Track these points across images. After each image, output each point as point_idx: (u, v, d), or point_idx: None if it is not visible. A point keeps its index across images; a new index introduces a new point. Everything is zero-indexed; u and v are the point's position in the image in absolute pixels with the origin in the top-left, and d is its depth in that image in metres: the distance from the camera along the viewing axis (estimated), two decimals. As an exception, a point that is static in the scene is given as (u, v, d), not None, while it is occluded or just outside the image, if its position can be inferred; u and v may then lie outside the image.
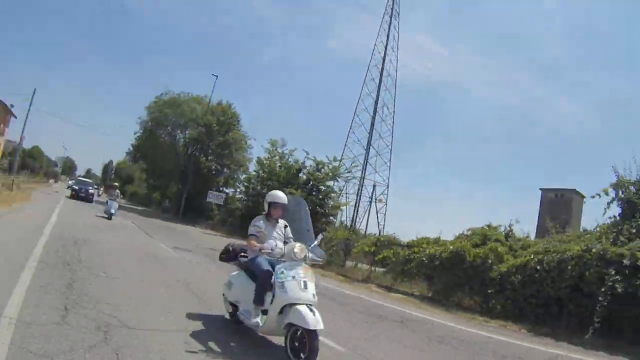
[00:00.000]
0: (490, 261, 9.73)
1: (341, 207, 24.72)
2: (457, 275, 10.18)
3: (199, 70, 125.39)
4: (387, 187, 41.58)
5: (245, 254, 4.78)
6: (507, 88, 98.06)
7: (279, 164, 23.73)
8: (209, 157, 29.26)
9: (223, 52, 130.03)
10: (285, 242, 4.55)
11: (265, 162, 24.27)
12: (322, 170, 22.50)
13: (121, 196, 27.16)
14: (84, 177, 47.83)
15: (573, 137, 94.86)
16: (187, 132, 31.14)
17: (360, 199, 38.32)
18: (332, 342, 4.62)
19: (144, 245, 11.34)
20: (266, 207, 4.75)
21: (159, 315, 4.62)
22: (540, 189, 42.07)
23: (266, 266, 4.16)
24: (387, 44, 42.82)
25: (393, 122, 42.03)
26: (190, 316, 4.82)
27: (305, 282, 3.86)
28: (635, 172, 9.45)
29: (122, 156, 59.96)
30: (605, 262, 7.74)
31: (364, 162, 39.59)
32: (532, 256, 9.06)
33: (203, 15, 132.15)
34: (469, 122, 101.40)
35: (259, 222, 4.60)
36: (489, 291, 9.41)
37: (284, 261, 4.10)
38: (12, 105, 37.68)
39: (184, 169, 30.97)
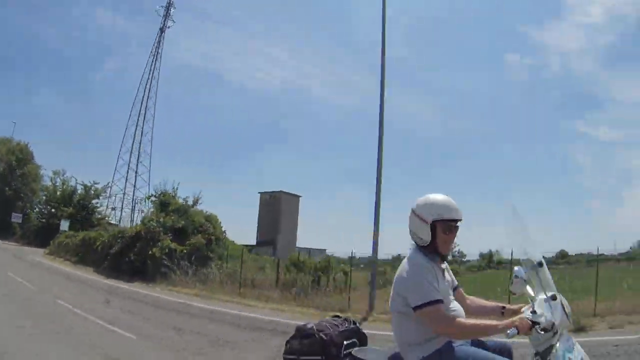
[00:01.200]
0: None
1: (106, 218, 35.44)
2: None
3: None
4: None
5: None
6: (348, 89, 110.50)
7: (59, 190, 33.47)
8: (12, 186, 37.33)
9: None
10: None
11: (49, 188, 33.83)
12: (90, 192, 32.94)
13: None
14: None
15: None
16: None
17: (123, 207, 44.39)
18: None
19: None
20: (428, 231, 2.04)
21: None
22: (258, 192, 41.32)
23: None
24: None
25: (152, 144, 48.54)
26: None
27: None
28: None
29: None
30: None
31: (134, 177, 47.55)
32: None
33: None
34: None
35: (430, 274, 1.98)
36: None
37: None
38: None
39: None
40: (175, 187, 20.17)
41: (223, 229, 19.61)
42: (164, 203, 19.12)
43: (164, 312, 9.93)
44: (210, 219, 18.87)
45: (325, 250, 35.38)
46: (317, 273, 16.48)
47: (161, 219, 17.56)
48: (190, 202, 19.67)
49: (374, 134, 14.20)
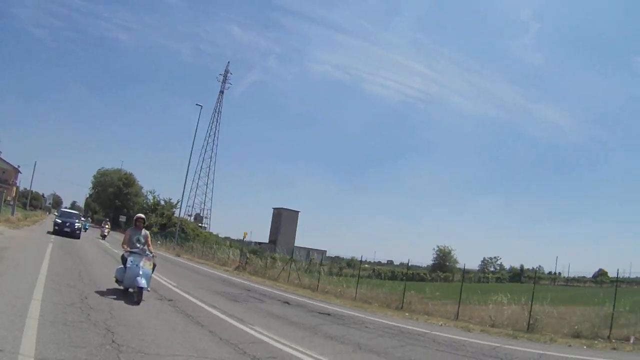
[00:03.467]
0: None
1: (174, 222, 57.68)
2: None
3: (179, 98, 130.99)
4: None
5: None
6: (486, 100, 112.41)
7: (150, 202, 56.37)
8: (121, 200, 61.40)
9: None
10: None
11: (143, 201, 56.98)
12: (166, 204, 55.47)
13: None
14: (69, 209, 42.38)
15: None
16: (110, 189, 63.21)
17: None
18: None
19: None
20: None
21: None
22: (272, 207, 64.99)
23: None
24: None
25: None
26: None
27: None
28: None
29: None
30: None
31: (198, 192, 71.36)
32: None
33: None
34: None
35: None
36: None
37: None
38: (19, 166, 66.94)
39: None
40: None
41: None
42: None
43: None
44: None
45: (325, 251, 54.29)
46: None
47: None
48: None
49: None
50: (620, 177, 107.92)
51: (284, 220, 59.61)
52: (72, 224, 25.08)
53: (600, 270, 67.53)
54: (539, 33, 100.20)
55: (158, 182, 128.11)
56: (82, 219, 35.00)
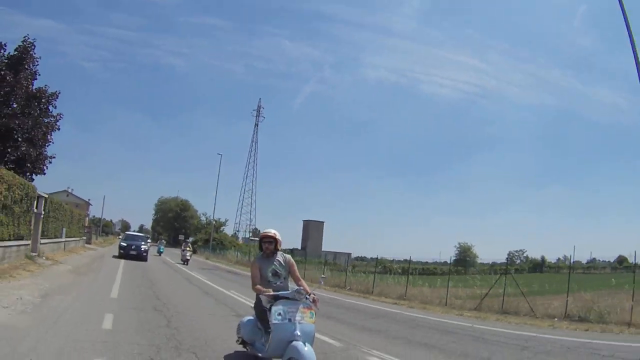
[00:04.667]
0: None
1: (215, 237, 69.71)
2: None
3: (239, 120, 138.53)
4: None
5: None
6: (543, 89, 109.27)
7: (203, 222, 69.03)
8: (179, 223, 75.13)
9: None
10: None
11: (197, 223, 70.04)
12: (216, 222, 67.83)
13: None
14: (136, 232, 42.09)
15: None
16: (169, 214, 77.10)
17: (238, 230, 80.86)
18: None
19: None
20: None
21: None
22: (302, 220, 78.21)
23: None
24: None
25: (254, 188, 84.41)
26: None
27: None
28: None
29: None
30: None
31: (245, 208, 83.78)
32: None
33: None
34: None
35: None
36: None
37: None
38: (89, 199, 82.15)
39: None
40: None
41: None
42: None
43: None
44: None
45: (349, 253, 62.71)
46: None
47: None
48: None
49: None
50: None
51: (311, 229, 71.16)
52: (138, 247, 24.63)
53: (619, 256, 70.64)
54: (585, 15, 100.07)
55: (210, 202, 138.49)
56: (149, 240, 34.48)
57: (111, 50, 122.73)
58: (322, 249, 67.81)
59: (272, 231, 4.89)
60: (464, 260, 71.31)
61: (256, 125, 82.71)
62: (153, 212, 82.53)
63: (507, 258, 78.99)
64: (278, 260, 4.89)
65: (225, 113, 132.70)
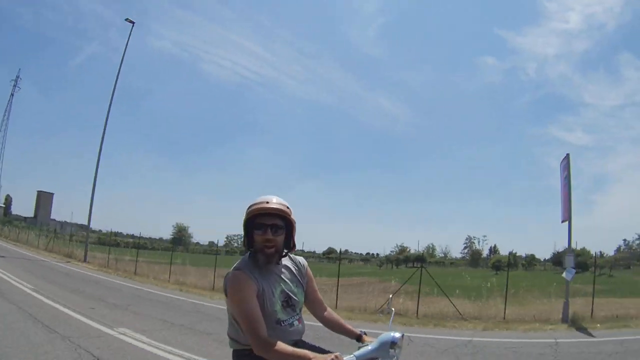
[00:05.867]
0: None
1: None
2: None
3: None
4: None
5: None
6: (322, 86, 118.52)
7: None
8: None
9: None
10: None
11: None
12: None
13: None
14: None
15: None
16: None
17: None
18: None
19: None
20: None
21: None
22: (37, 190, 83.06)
23: None
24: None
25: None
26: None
27: None
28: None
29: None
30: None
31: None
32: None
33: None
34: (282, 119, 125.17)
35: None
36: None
37: None
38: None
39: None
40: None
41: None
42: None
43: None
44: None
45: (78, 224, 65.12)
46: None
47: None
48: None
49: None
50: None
51: (43, 199, 78.30)
52: None
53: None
54: (383, 27, 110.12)
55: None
56: None
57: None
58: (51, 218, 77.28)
59: (275, 201, 1.91)
60: (180, 239, 78.44)
61: (12, 95, 73.90)
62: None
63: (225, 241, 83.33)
64: (289, 269, 2.07)
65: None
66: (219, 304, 10.64)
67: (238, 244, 76.12)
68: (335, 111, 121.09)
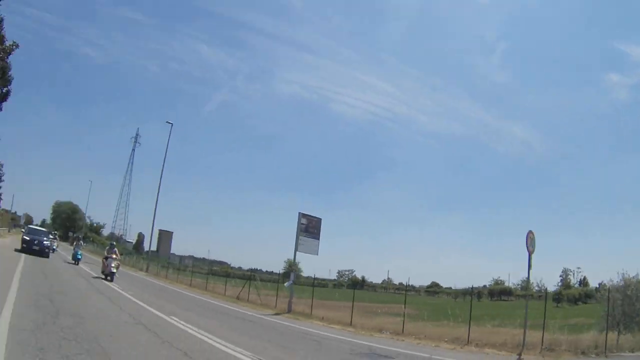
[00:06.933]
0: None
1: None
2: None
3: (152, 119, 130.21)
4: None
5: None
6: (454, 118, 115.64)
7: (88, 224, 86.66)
8: (71, 222, 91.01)
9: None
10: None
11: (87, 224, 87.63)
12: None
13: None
14: (39, 226, 37.07)
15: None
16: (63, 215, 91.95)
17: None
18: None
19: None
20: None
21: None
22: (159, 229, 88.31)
23: None
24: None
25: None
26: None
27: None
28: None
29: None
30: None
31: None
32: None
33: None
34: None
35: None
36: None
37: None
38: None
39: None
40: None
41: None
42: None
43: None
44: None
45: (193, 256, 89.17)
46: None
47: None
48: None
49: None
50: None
51: (163, 237, 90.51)
52: (41, 242, 24.14)
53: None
54: (505, 53, 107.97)
55: (97, 206, 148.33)
56: (51, 236, 32.55)
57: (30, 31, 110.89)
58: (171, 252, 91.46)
59: None
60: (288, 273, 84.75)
61: (133, 150, 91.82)
62: (50, 212, 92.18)
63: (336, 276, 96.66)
64: None
65: (135, 110, 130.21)
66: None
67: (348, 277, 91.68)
68: (468, 141, 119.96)
